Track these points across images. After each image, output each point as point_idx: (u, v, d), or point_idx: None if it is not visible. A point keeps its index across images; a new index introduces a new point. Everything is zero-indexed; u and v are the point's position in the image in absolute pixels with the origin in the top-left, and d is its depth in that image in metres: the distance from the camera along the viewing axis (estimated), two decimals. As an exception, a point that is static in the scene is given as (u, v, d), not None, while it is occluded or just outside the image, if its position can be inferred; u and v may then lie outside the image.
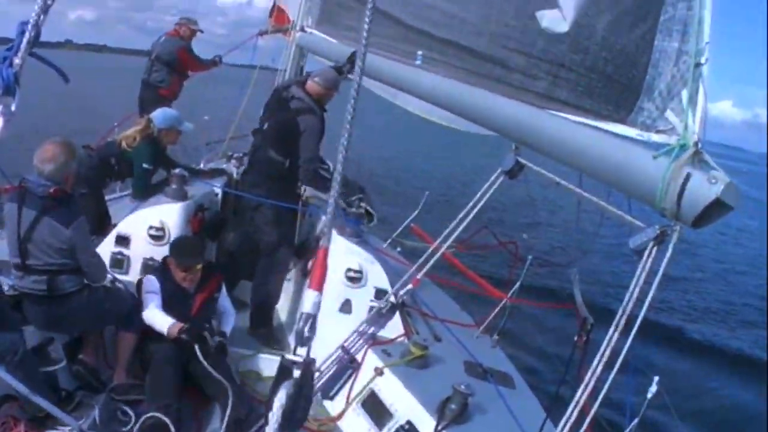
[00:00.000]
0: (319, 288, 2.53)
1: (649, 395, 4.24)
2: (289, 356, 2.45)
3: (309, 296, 2.51)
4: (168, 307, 5.50)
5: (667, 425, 7.54)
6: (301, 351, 2.47)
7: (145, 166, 6.88)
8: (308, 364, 2.45)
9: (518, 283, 6.62)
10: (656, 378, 4.25)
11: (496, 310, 6.57)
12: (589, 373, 3.47)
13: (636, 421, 4.38)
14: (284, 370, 2.44)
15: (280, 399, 2.38)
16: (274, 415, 2.36)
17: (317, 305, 2.50)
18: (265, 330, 6.68)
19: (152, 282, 5.61)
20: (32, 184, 4.82)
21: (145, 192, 6.87)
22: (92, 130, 10.34)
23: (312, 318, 2.48)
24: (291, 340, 6.61)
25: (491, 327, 6.66)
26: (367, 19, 2.68)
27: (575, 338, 4.58)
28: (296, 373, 2.43)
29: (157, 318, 5.39)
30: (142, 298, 5.54)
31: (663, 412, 5.96)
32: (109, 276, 5.64)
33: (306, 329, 2.47)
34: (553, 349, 9.33)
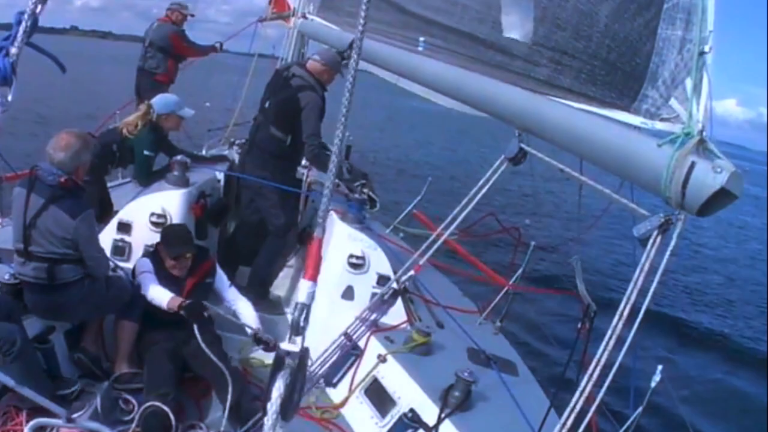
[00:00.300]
0: (314, 278, 2.51)
1: (653, 383, 4.24)
2: (285, 346, 2.46)
3: (303, 286, 2.49)
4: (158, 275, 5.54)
5: (671, 413, 7.57)
6: (296, 340, 2.48)
7: (146, 152, 6.86)
8: (303, 354, 2.46)
9: (521, 270, 6.60)
10: (660, 366, 4.25)
11: (499, 296, 6.57)
12: (593, 362, 3.46)
13: (640, 409, 4.38)
14: (280, 360, 2.44)
15: (278, 389, 2.38)
16: (273, 405, 2.36)
17: (311, 295, 2.49)
18: (264, 302, 6.77)
19: (146, 263, 5.61)
20: (43, 171, 4.78)
21: (147, 179, 6.86)
22: (96, 116, 10.37)
23: (306, 308, 2.48)
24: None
25: (494, 313, 6.66)
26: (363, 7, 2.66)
27: (578, 325, 4.57)
28: (290, 361, 2.44)
29: (157, 293, 5.39)
30: (138, 279, 5.53)
31: (666, 400, 6.00)
32: (110, 264, 5.67)
33: (301, 319, 2.47)
34: (556, 336, 9.33)
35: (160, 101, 7.17)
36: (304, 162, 7.80)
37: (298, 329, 2.47)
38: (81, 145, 4.91)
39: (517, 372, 5.63)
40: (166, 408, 4.68)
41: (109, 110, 9.31)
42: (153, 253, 5.76)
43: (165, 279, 5.55)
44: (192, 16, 11.08)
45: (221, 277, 5.97)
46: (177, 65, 10.68)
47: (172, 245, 5.61)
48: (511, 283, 6.56)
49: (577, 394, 3.51)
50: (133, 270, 5.70)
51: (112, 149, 6.87)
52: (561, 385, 4.80)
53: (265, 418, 2.37)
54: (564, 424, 3.52)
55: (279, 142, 6.65)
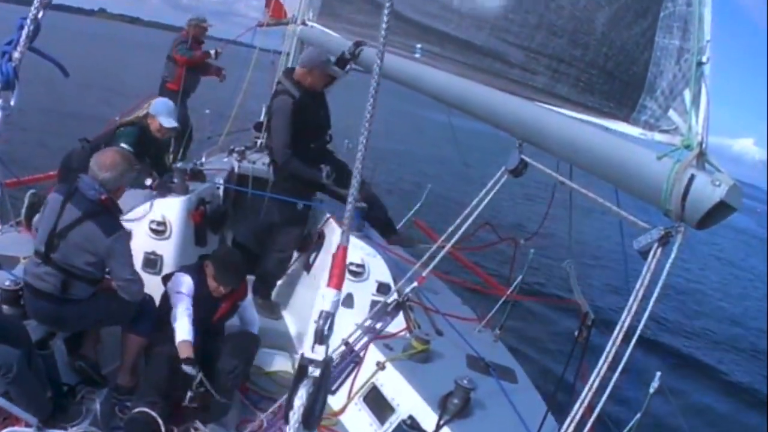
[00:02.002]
0: (339, 286, 2.49)
1: (651, 390, 4.25)
2: (309, 355, 2.44)
3: (328, 295, 2.47)
4: (193, 307, 5.38)
5: (670, 419, 7.57)
6: (319, 349, 2.46)
7: (122, 145, 6.60)
8: (327, 363, 2.44)
9: (520, 278, 6.61)
10: (658, 373, 4.26)
11: (498, 304, 6.57)
12: (593, 374, 3.46)
13: (639, 415, 4.39)
14: (303, 369, 2.42)
15: (301, 398, 2.37)
16: (295, 414, 2.35)
17: (336, 303, 2.46)
18: (262, 301, 6.87)
19: (188, 283, 5.42)
20: (85, 185, 4.80)
21: None
22: (118, 106, 10.41)
23: (331, 316, 2.45)
24: (292, 335, 6.63)
25: (493, 321, 6.65)
26: (384, 19, 2.64)
27: (576, 333, 4.58)
28: (313, 370, 2.42)
29: (180, 325, 5.24)
30: (172, 294, 5.40)
31: (665, 407, 5.97)
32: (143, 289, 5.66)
33: (325, 328, 2.45)
34: (555, 344, 9.37)
35: (156, 101, 7.18)
36: None
37: (322, 338, 2.44)
38: (126, 166, 4.96)
39: (516, 379, 5.63)
40: (153, 413, 4.71)
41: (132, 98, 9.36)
42: (196, 270, 5.55)
43: (202, 299, 5.44)
44: (211, 25, 11.40)
45: (249, 299, 5.98)
46: (189, 74, 10.81)
47: (226, 276, 5.46)
48: (510, 291, 6.57)
49: (577, 405, 3.51)
50: (166, 277, 5.63)
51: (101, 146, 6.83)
52: (559, 392, 4.81)
53: (287, 428, 2.36)
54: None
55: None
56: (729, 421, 11.50)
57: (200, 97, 11.21)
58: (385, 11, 2.58)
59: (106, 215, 4.86)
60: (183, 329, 5.20)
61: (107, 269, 5.01)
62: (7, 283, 4.96)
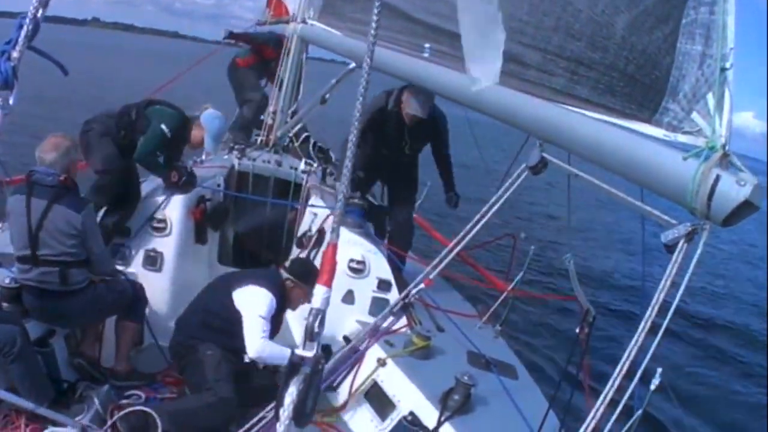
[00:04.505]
0: (329, 283, 2.55)
1: (652, 386, 4.30)
2: (299, 352, 2.48)
3: (318, 291, 2.54)
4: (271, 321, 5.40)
5: (670, 416, 7.63)
6: (310, 346, 2.51)
7: (162, 126, 6.28)
8: (317, 360, 2.49)
9: (521, 274, 6.67)
10: (659, 370, 4.32)
11: (499, 300, 6.62)
12: (609, 383, 3.53)
13: (639, 412, 4.44)
14: (294, 365, 2.47)
15: (291, 394, 2.41)
16: (286, 411, 2.39)
17: (326, 300, 2.53)
18: None
19: (273, 307, 5.38)
20: (41, 175, 4.91)
21: (148, 157, 6.35)
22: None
23: (321, 313, 2.52)
24: (294, 334, 6.66)
25: (494, 317, 6.72)
26: (375, 14, 2.71)
27: (577, 330, 4.63)
28: (304, 367, 2.47)
29: (277, 350, 5.20)
30: (253, 315, 5.25)
31: (666, 403, 6.05)
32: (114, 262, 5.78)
33: (315, 324, 2.50)
34: (556, 340, 9.39)
35: (215, 116, 6.77)
36: (302, 166, 7.93)
37: (312, 334, 2.50)
38: (69, 144, 5.10)
39: (517, 375, 5.69)
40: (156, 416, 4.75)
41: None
42: (280, 291, 5.53)
43: (278, 314, 5.54)
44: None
45: None
46: (261, 58, 10.36)
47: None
48: (511, 287, 6.62)
49: (590, 417, 3.57)
50: (238, 281, 5.54)
51: (130, 115, 6.38)
52: (560, 389, 4.87)
53: (278, 424, 2.40)
54: None
55: None
56: (729, 421, 11.57)
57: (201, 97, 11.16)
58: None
59: (71, 194, 5.03)
60: (281, 351, 5.16)
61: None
62: (7, 281, 5.00)
